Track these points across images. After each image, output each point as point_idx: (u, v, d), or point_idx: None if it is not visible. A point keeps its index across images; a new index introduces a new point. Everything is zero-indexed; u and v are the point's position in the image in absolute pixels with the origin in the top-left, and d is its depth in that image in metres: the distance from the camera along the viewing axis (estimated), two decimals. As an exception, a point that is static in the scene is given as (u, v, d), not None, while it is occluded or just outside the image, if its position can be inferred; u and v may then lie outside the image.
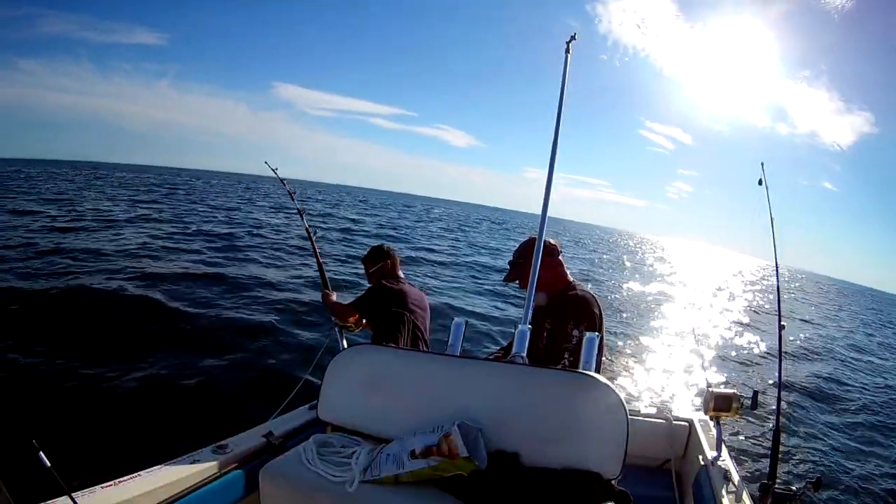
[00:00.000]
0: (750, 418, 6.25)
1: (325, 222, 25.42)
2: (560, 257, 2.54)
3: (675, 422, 3.12)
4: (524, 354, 1.62)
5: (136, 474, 1.66)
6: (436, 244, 23.10)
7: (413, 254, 17.47)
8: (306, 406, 2.49)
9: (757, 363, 10.37)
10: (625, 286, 19.44)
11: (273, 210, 28.16)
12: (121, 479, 1.61)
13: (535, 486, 1.36)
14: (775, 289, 3.29)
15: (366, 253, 3.69)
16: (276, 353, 6.19)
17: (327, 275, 3.90)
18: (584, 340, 1.59)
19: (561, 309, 2.40)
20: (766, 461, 2.99)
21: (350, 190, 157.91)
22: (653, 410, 3.26)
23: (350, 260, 13.13)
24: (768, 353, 10.95)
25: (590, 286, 2.56)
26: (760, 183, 3.17)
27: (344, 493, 1.43)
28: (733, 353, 10.91)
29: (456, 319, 1.76)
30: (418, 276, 12.91)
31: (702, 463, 2.61)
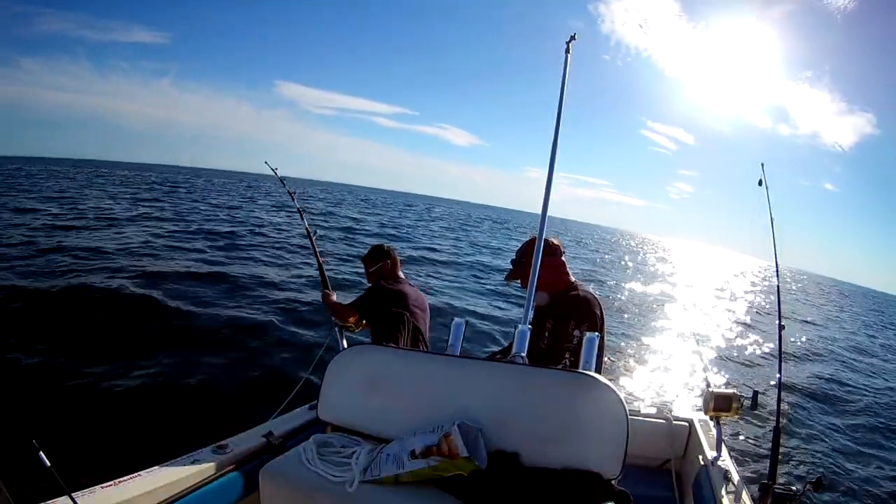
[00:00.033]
0: (750, 418, 6.24)
1: (326, 221, 25.42)
2: (563, 258, 2.54)
3: (675, 422, 3.11)
4: (524, 354, 1.62)
5: (136, 474, 1.66)
6: (437, 243, 23.08)
7: (414, 253, 17.46)
8: (306, 406, 2.49)
9: (758, 364, 10.37)
10: (626, 286, 19.42)
11: (275, 209, 28.15)
12: (121, 479, 1.62)
13: (535, 486, 1.36)
14: (775, 289, 3.29)
15: (366, 252, 3.69)
16: (277, 352, 6.19)
17: (327, 274, 3.90)
18: (584, 340, 1.59)
19: (562, 309, 2.40)
20: (766, 461, 2.99)
21: (352, 189, 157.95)
22: (653, 410, 3.25)
23: (352, 259, 13.12)
24: (769, 354, 10.95)
25: (592, 286, 2.56)
26: (760, 183, 3.18)
27: (344, 493, 1.43)
28: (734, 354, 10.91)
29: (456, 319, 1.77)
30: (420, 276, 12.90)
31: (702, 463, 2.61)
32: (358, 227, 24.98)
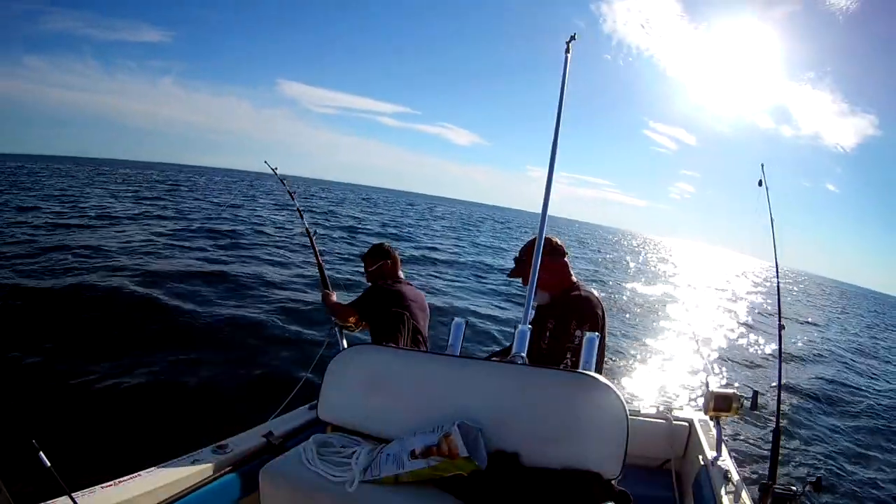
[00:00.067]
0: (750, 419, 6.25)
1: (328, 220, 25.45)
2: (566, 259, 2.55)
3: (675, 422, 3.12)
4: (524, 354, 1.62)
5: (136, 474, 1.66)
6: (439, 243, 23.09)
7: (416, 253, 17.48)
8: (306, 406, 2.49)
9: (759, 364, 10.36)
10: (628, 287, 19.43)
11: (277, 207, 28.18)
12: (121, 479, 1.62)
13: (535, 486, 1.36)
14: (776, 289, 3.29)
15: (367, 250, 3.68)
16: (277, 352, 6.19)
17: (327, 274, 3.89)
18: (584, 340, 1.59)
19: (564, 309, 2.41)
20: (766, 462, 2.99)
21: (353, 188, 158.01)
22: (653, 410, 3.25)
23: (353, 258, 13.13)
24: (770, 355, 10.94)
25: (594, 286, 2.57)
26: (760, 184, 3.19)
27: (344, 493, 1.43)
28: (735, 355, 10.89)
29: (456, 319, 1.77)
30: (421, 276, 12.91)
31: (702, 463, 2.62)
32: (360, 226, 25.00)
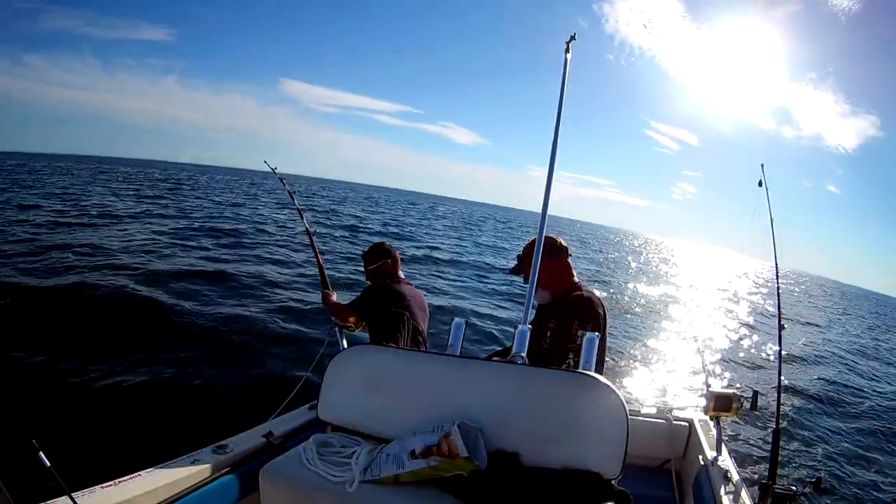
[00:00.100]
0: (751, 420, 6.24)
1: (329, 219, 25.46)
2: (569, 259, 2.55)
3: (675, 422, 3.12)
4: (524, 354, 1.62)
5: (136, 474, 1.67)
6: (441, 242, 23.09)
7: (418, 252, 17.49)
8: (306, 406, 2.50)
9: (760, 365, 10.34)
10: (630, 287, 19.43)
11: (278, 206, 28.19)
12: (121, 479, 1.62)
13: (535, 486, 1.36)
14: (776, 290, 3.30)
15: (366, 250, 3.66)
16: (277, 352, 6.18)
17: (327, 274, 3.89)
18: (584, 340, 1.59)
19: (565, 309, 2.41)
20: (766, 462, 2.99)
21: (355, 186, 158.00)
22: (653, 410, 3.25)
23: (354, 257, 13.12)
24: (771, 355, 10.91)
25: (596, 287, 2.57)
26: (760, 184, 3.19)
27: (344, 493, 1.43)
28: (738, 355, 10.88)
29: (456, 319, 1.77)
30: (423, 276, 12.92)
31: (702, 463, 2.62)
32: (361, 225, 25.02)
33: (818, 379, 9.82)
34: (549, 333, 2.40)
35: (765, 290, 31.25)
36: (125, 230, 13.46)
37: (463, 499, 1.39)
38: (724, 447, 2.63)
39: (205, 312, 7.17)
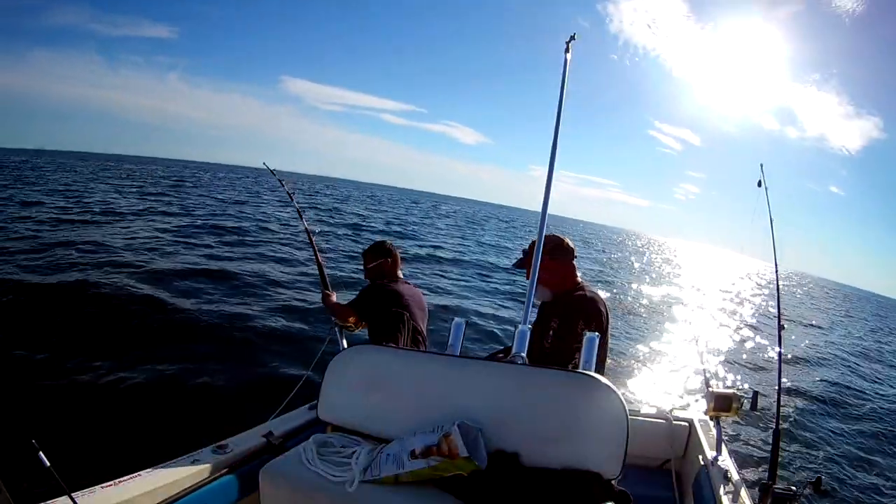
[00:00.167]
0: (751, 420, 6.23)
1: (332, 217, 25.46)
2: (573, 259, 2.55)
3: (675, 422, 3.12)
4: (524, 354, 1.62)
5: (136, 474, 1.67)
6: (443, 241, 23.08)
7: (420, 251, 17.48)
8: (306, 406, 2.50)
9: (761, 366, 10.32)
10: (632, 287, 19.40)
11: (281, 204, 28.20)
12: (121, 479, 1.62)
13: (535, 486, 1.36)
14: (776, 290, 3.29)
15: (367, 247, 3.66)
16: (277, 352, 6.17)
17: (328, 272, 3.89)
18: (584, 340, 1.59)
19: (568, 308, 2.41)
20: (767, 463, 2.99)
21: (358, 185, 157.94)
22: (653, 410, 3.25)
23: (357, 256, 13.12)
24: (772, 356, 10.88)
25: (599, 287, 2.58)
26: (760, 185, 3.18)
27: (344, 493, 1.43)
28: (740, 356, 10.85)
29: (456, 319, 1.77)
30: (425, 275, 12.91)
31: (702, 463, 2.62)
32: (364, 223, 24.99)
33: (820, 380, 9.79)
34: (551, 333, 2.40)
35: (766, 292, 31.18)
36: (128, 227, 13.48)
37: (463, 499, 1.39)
38: (724, 447, 2.62)
39: (206, 311, 7.17)
